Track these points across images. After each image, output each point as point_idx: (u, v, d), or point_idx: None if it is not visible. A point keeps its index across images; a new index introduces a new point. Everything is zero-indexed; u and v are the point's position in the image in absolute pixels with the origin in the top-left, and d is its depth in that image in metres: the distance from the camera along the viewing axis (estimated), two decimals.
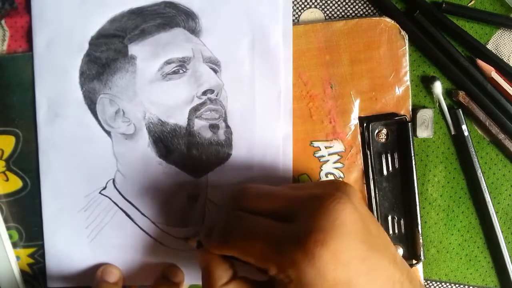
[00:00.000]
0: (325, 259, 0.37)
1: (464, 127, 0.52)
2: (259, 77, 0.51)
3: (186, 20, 0.50)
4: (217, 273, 0.43)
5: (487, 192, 0.53)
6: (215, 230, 0.44)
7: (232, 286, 0.43)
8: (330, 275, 0.37)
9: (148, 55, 0.50)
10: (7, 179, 0.52)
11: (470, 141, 0.53)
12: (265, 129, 0.51)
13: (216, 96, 0.51)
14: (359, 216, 0.40)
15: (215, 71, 0.51)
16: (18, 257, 0.53)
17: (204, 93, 0.50)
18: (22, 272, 0.53)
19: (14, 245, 0.52)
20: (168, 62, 0.50)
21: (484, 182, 0.53)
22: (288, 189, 0.44)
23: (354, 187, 0.44)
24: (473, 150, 0.53)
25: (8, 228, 0.52)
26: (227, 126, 0.51)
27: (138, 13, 0.50)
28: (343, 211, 0.39)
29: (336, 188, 0.42)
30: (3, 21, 0.50)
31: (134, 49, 0.50)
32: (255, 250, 0.40)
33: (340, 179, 0.53)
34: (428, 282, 0.54)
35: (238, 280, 0.44)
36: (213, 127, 0.51)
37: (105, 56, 0.50)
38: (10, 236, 0.52)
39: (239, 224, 0.42)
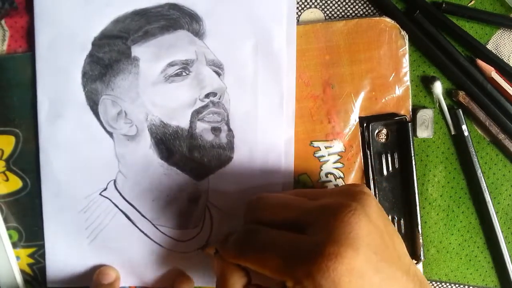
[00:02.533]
0: (340, 272, 0.38)
1: (464, 127, 0.54)
2: (262, 80, 0.52)
3: (190, 22, 0.51)
4: (231, 280, 0.44)
5: (487, 192, 0.54)
6: (231, 240, 0.45)
7: None
8: (345, 287, 0.38)
9: (151, 56, 0.51)
10: (7, 179, 0.52)
11: (470, 141, 0.54)
12: (267, 133, 0.52)
13: (219, 99, 0.52)
14: (373, 227, 0.41)
15: (218, 74, 0.52)
16: (18, 257, 0.53)
17: (207, 96, 0.51)
18: (22, 272, 0.54)
19: (14, 245, 0.53)
20: (171, 64, 0.51)
21: (484, 182, 0.54)
22: (304, 198, 0.45)
23: (370, 192, 0.44)
24: (473, 150, 0.54)
25: (8, 228, 0.53)
26: (229, 129, 0.52)
27: (142, 14, 0.51)
28: (357, 223, 0.40)
29: (351, 197, 0.42)
30: (3, 21, 0.51)
31: (137, 50, 0.51)
32: (270, 264, 0.41)
33: (340, 179, 0.54)
34: (428, 282, 0.55)
35: (253, 286, 0.45)
36: (215, 130, 0.52)
37: (108, 57, 0.51)
38: (10, 236, 0.53)
39: (254, 238, 0.43)
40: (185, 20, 0.51)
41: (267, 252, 0.42)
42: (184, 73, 0.51)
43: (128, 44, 0.51)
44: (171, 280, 0.54)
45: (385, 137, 0.54)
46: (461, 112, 0.54)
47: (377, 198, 0.54)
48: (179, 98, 0.51)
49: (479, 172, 0.54)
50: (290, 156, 0.53)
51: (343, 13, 0.54)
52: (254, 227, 0.45)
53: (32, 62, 0.51)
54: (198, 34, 0.52)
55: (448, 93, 0.55)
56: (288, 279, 0.40)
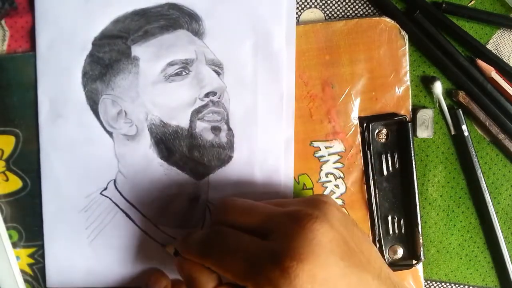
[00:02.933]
0: (302, 279, 0.38)
1: (464, 127, 0.54)
2: (262, 80, 0.52)
3: (190, 22, 0.51)
4: (202, 279, 0.44)
5: (487, 192, 0.54)
6: (195, 239, 0.45)
7: None
8: None
9: (151, 56, 0.51)
10: (7, 179, 0.53)
11: (470, 141, 0.54)
12: (267, 132, 0.52)
13: (219, 98, 0.52)
14: (337, 234, 0.41)
15: (218, 74, 0.52)
16: (18, 257, 0.53)
17: (207, 95, 0.51)
18: (22, 272, 0.54)
19: (14, 245, 0.53)
20: (171, 64, 0.51)
21: (484, 182, 0.54)
22: (270, 205, 0.46)
23: (335, 201, 0.45)
24: (473, 150, 0.54)
25: (8, 228, 0.53)
26: (229, 129, 0.52)
27: (141, 14, 0.51)
28: (319, 230, 0.40)
29: (314, 206, 0.43)
30: (3, 21, 0.51)
31: (137, 50, 0.51)
32: (232, 267, 0.41)
33: (340, 179, 0.54)
34: (428, 282, 0.56)
35: (224, 286, 0.44)
36: (215, 129, 0.52)
37: (108, 57, 0.51)
38: (10, 236, 0.53)
39: (219, 240, 0.43)
40: (185, 20, 0.52)
41: (230, 255, 0.42)
42: (184, 73, 0.52)
43: (128, 44, 0.51)
44: (145, 279, 0.53)
45: (385, 137, 0.54)
46: (461, 112, 0.54)
47: (377, 198, 0.54)
48: (179, 98, 0.52)
49: (479, 172, 0.54)
50: (290, 156, 0.53)
51: (343, 13, 0.54)
52: (220, 229, 0.45)
53: (32, 62, 0.52)
54: (198, 33, 0.52)
55: (448, 93, 0.55)
56: (249, 285, 0.40)
